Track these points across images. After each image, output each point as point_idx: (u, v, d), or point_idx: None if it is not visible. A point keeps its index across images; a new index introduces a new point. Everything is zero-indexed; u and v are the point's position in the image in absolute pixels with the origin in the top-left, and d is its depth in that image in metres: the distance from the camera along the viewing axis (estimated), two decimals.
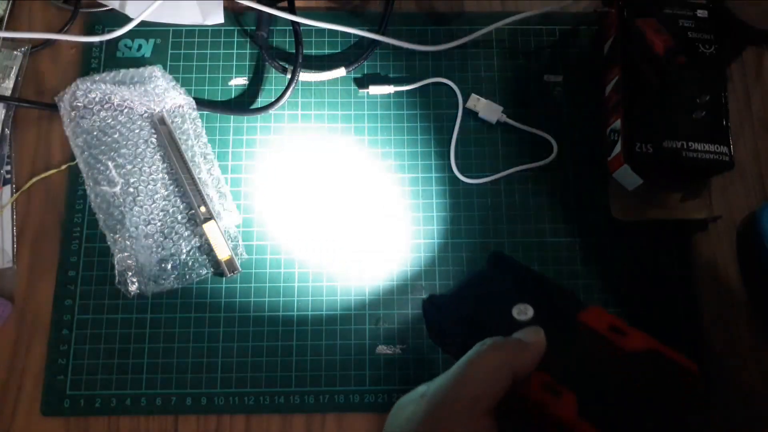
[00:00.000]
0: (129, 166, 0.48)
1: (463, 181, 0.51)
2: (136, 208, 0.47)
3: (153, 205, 0.48)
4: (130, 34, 0.52)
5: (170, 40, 0.53)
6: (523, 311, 0.36)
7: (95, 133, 0.49)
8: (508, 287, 0.38)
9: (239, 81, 0.53)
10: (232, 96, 0.52)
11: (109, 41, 0.53)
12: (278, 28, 0.54)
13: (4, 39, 0.52)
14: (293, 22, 0.51)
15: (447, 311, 0.39)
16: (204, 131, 0.50)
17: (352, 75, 0.53)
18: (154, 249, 0.47)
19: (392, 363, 0.47)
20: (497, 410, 0.29)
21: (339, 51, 0.54)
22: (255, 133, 0.51)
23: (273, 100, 0.51)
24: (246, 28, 0.54)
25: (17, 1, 0.54)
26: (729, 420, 0.46)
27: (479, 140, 0.52)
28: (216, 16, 0.53)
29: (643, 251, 0.50)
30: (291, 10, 0.52)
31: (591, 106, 0.53)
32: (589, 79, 0.53)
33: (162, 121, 0.49)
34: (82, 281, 0.48)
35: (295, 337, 0.47)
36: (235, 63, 0.53)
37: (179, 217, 0.48)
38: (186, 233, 0.48)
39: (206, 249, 0.48)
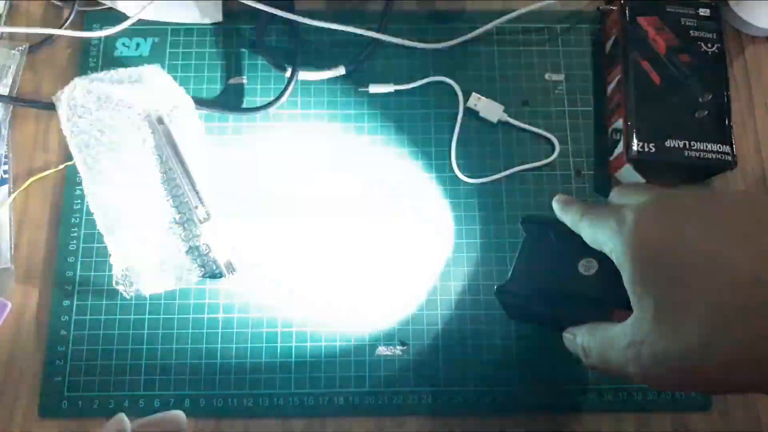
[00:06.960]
0: (127, 166, 0.48)
1: (463, 181, 0.50)
2: (134, 208, 0.47)
3: (151, 206, 0.48)
4: (128, 33, 0.52)
5: (168, 39, 0.53)
6: (588, 266, 0.36)
7: (93, 132, 0.48)
8: (560, 246, 0.38)
9: (238, 80, 0.52)
10: (231, 95, 0.52)
11: (107, 40, 0.53)
12: (278, 26, 0.53)
13: (2, 36, 0.52)
14: (293, 21, 0.51)
15: (520, 293, 0.39)
16: (203, 131, 0.50)
17: (352, 74, 0.53)
18: (152, 249, 0.47)
19: (392, 364, 0.46)
20: None
21: (339, 49, 0.53)
22: (254, 132, 0.51)
23: (272, 99, 0.51)
24: (245, 26, 0.54)
25: (15, 1, 0.54)
26: (729, 420, 0.46)
27: (480, 139, 0.51)
28: (214, 15, 0.53)
29: None
30: (290, 8, 0.52)
31: (593, 105, 0.52)
32: (591, 77, 0.53)
33: (160, 120, 0.49)
34: (79, 282, 0.47)
35: (295, 338, 0.47)
36: (233, 62, 0.53)
37: (177, 218, 0.48)
38: (184, 234, 0.48)
39: (205, 250, 0.47)
